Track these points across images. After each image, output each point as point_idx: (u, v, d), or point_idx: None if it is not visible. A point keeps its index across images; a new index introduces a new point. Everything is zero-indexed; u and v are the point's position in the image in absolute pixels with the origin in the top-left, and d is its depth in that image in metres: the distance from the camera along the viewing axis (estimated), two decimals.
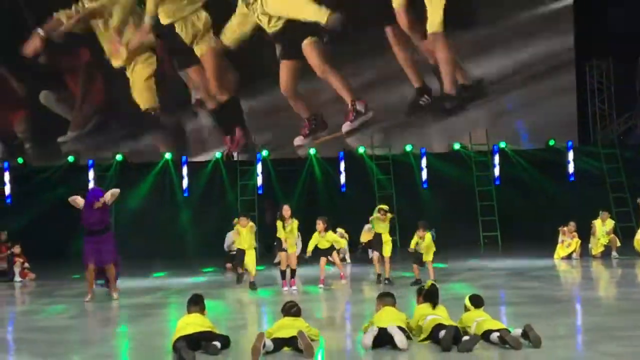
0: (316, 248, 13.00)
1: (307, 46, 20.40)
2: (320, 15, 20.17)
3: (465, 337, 7.42)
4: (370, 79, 20.67)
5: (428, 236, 12.60)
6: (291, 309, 8.06)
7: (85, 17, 20.46)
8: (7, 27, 20.63)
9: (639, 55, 21.87)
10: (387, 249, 12.81)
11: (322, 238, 12.91)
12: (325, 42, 20.43)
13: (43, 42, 20.41)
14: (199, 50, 20.59)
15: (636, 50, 21.63)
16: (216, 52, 20.62)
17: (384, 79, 20.62)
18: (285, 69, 20.52)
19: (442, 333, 7.40)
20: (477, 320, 7.87)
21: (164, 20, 20.53)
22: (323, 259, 12.90)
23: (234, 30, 20.54)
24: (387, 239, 12.94)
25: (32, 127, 20.95)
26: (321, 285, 12.61)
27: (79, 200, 12.15)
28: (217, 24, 20.68)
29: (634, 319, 8.73)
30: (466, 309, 8.23)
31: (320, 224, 12.91)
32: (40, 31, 20.40)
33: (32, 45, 20.45)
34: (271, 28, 20.49)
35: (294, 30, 20.46)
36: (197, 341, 7.56)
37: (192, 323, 7.82)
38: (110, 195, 12.11)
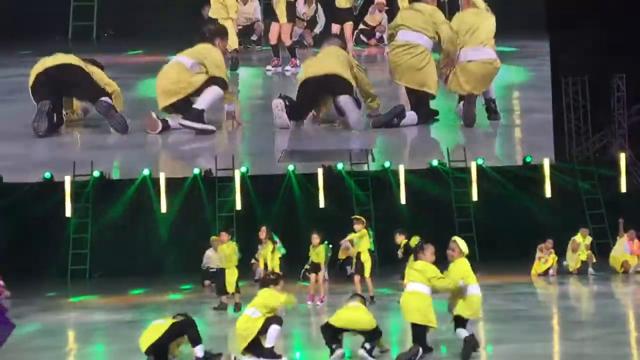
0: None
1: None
2: None
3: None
4: None
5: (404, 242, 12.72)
6: (268, 277, 8.41)
7: None
8: None
9: (614, 72, 22.13)
10: (367, 269, 12.77)
11: (315, 252, 12.94)
12: None
13: None
14: None
15: (611, 68, 21.89)
16: None
17: None
18: None
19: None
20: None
21: None
22: (313, 276, 12.91)
23: None
24: (366, 257, 12.91)
25: None
26: (310, 302, 12.62)
27: None
28: None
29: (607, 338, 8.81)
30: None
31: (316, 238, 12.98)
32: None
33: None
34: None
35: None
36: (165, 345, 7.67)
37: (154, 328, 7.87)
38: None
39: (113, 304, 13.97)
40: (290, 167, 20.17)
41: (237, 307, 12.27)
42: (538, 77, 20.94)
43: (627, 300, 13.23)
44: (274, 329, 7.83)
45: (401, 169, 20.30)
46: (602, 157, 22.25)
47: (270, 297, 8.11)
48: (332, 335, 7.99)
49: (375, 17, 21.14)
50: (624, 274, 15.99)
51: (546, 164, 20.61)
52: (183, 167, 20.41)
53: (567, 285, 14.99)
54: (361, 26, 21.19)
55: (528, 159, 20.69)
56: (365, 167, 20.14)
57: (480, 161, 20.52)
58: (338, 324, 7.99)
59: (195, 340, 7.88)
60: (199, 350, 7.88)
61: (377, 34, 21.21)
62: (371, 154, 19.80)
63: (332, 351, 7.91)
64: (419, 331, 7.94)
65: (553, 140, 21.13)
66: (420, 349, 7.85)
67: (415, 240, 8.66)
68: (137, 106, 18.94)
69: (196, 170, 20.00)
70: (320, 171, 20.12)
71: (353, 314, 8.10)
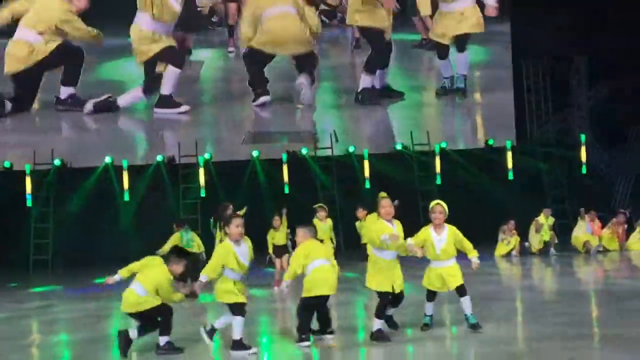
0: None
1: None
2: None
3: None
4: None
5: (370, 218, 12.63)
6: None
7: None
8: None
9: (574, 55, 22.38)
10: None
11: (278, 232, 12.91)
12: None
13: None
14: None
15: (571, 50, 22.13)
16: None
17: None
18: None
19: None
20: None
21: None
22: (278, 261, 12.89)
23: None
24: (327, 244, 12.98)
25: None
26: (276, 287, 12.61)
27: None
28: None
29: (571, 317, 8.95)
30: None
31: (277, 220, 12.96)
32: None
33: None
34: None
35: None
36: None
37: (135, 299, 7.85)
38: None
39: (77, 293, 13.83)
40: (255, 153, 20.12)
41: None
42: (499, 58, 21.10)
43: (589, 279, 13.48)
44: (237, 320, 7.79)
45: (365, 154, 20.39)
46: (563, 138, 22.56)
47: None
48: (309, 320, 8.00)
49: None
50: (586, 253, 16.27)
51: (508, 146, 20.85)
52: (146, 154, 20.27)
53: (530, 265, 15.21)
54: (322, 6, 21.04)
55: (490, 142, 20.89)
56: (329, 152, 20.20)
57: (443, 145, 20.69)
58: (313, 292, 7.95)
59: (166, 329, 7.88)
60: (162, 340, 7.91)
61: (339, 15, 21.06)
62: (334, 135, 19.86)
63: (302, 339, 7.91)
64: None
65: (514, 122, 21.38)
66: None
67: (383, 195, 8.56)
68: (96, 89, 18.75)
69: (159, 157, 19.87)
70: (284, 156, 20.13)
71: (322, 276, 8.01)
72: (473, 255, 8.39)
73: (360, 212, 12.99)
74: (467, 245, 8.40)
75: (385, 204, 8.23)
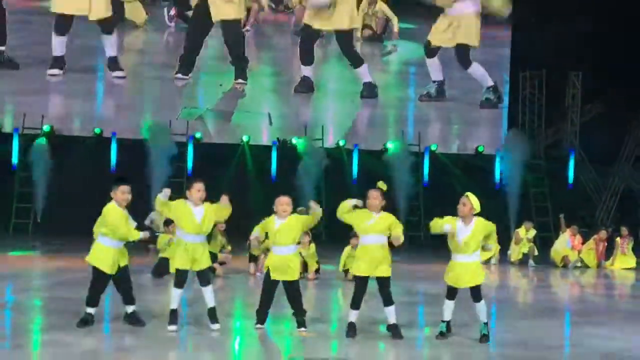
0: None
1: None
2: None
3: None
4: None
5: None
6: None
7: None
8: None
9: (571, 69, 22.47)
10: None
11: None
12: None
13: None
14: None
15: (569, 65, 22.22)
16: None
17: None
18: None
19: None
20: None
21: None
22: (252, 265, 12.90)
23: None
24: None
25: None
26: (258, 273, 12.63)
27: None
28: None
29: (541, 328, 9.02)
30: None
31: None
32: None
33: None
34: None
35: None
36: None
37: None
38: None
39: (53, 262, 13.79)
40: (245, 138, 20.11)
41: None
42: (497, 68, 21.10)
43: (562, 292, 13.59)
44: (207, 291, 7.95)
45: (355, 149, 20.44)
46: (553, 152, 22.66)
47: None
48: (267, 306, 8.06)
49: None
50: (564, 267, 16.36)
51: (497, 155, 20.94)
52: (137, 129, 20.18)
53: (506, 274, 15.30)
54: None
55: (480, 149, 20.97)
56: (320, 144, 20.23)
57: (434, 147, 20.74)
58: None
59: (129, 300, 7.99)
60: (129, 308, 8.08)
61: (285, 0, 20.87)
62: (269, 117, 19.97)
63: (260, 321, 8.05)
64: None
65: (506, 132, 21.47)
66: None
67: (383, 185, 8.46)
68: None
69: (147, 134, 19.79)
70: (274, 144, 20.15)
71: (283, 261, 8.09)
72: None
73: (354, 240, 12.56)
74: None
75: (370, 195, 8.13)
